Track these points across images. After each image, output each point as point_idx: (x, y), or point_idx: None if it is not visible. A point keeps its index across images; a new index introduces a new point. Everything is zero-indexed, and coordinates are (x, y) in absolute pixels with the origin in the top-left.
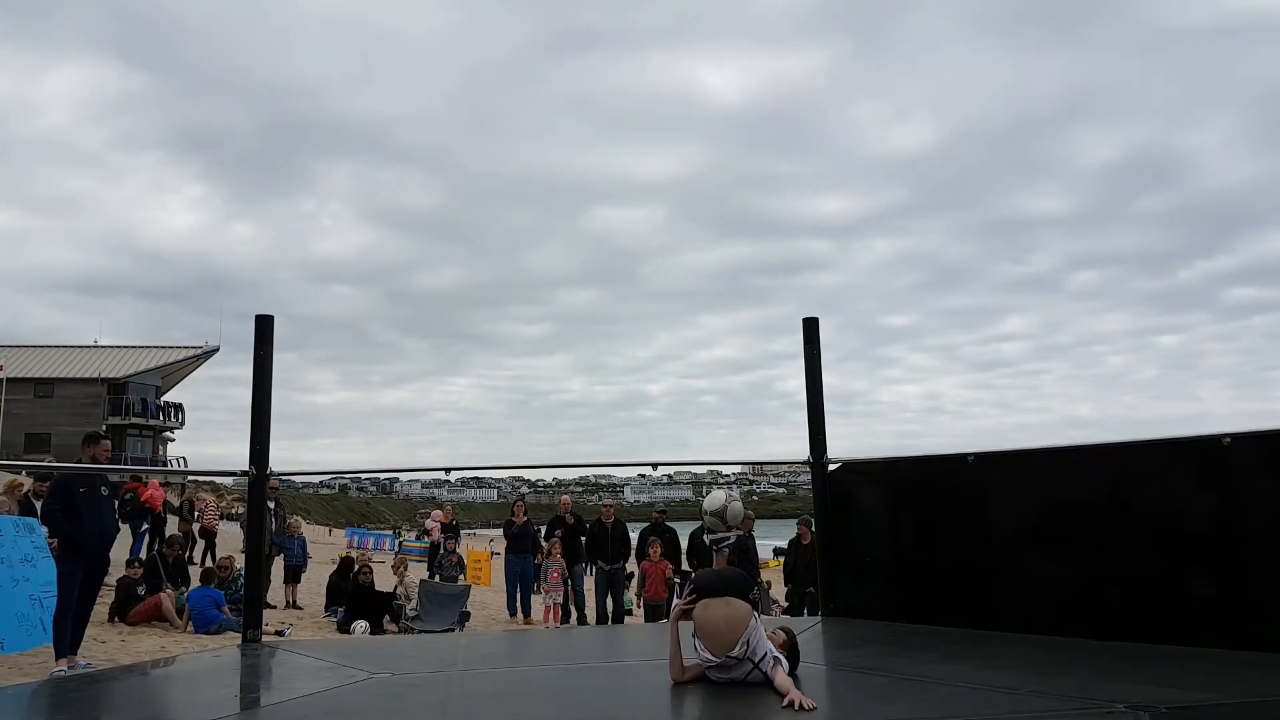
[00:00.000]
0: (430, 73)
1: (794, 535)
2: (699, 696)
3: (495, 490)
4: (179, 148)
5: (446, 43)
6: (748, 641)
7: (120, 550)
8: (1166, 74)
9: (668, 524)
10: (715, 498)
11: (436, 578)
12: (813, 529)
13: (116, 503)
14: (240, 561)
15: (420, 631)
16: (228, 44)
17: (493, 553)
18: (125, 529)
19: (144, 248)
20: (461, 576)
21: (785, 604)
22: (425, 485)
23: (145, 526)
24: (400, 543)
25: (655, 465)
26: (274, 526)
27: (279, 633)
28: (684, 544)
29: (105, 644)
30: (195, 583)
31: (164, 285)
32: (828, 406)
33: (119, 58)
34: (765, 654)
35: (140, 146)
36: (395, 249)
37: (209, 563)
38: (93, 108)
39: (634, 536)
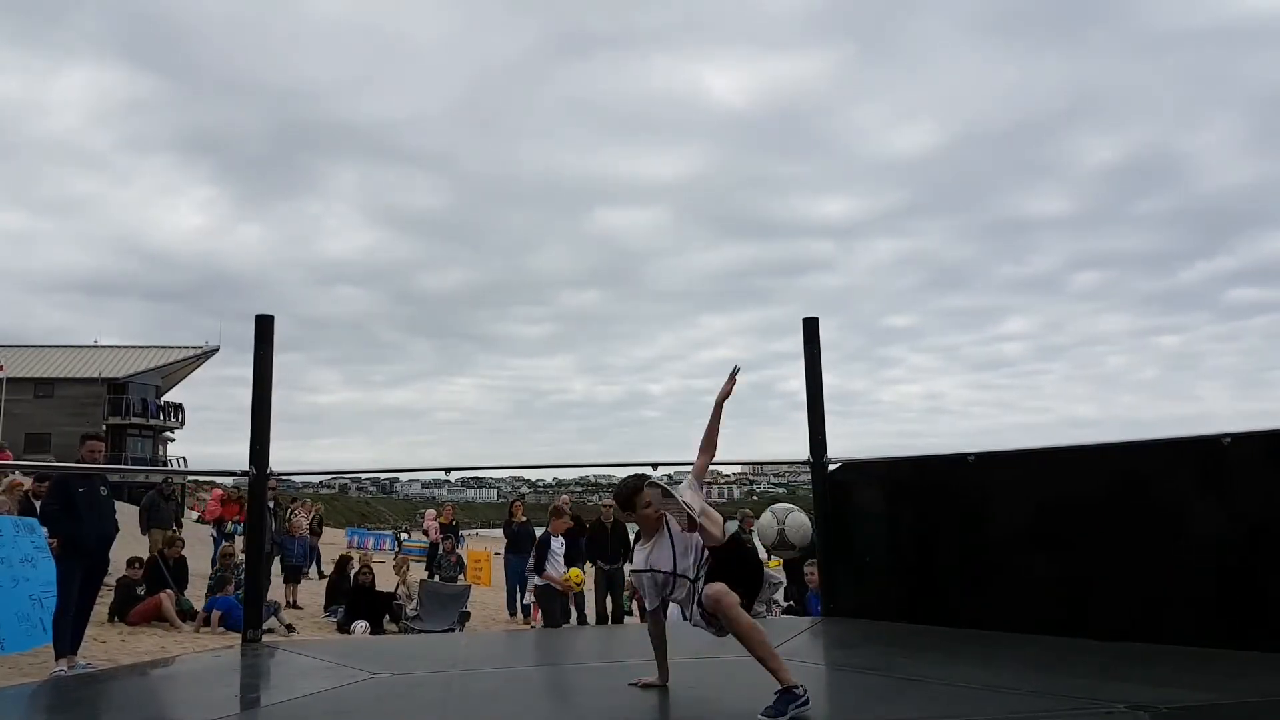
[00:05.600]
0: (436, 76)
1: None
2: (698, 695)
3: (495, 490)
4: (188, 150)
5: (451, 47)
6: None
7: (121, 550)
8: (1168, 76)
9: None
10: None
11: (436, 578)
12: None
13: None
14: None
15: (420, 631)
16: (237, 48)
17: (494, 552)
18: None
19: (151, 249)
20: (461, 576)
21: (788, 603)
22: (425, 485)
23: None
24: (401, 542)
25: (655, 465)
26: (273, 526)
27: (289, 626)
28: None
29: (105, 644)
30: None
31: (171, 286)
32: (829, 406)
33: (128, 61)
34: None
35: (149, 149)
36: (401, 250)
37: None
38: (101, 110)
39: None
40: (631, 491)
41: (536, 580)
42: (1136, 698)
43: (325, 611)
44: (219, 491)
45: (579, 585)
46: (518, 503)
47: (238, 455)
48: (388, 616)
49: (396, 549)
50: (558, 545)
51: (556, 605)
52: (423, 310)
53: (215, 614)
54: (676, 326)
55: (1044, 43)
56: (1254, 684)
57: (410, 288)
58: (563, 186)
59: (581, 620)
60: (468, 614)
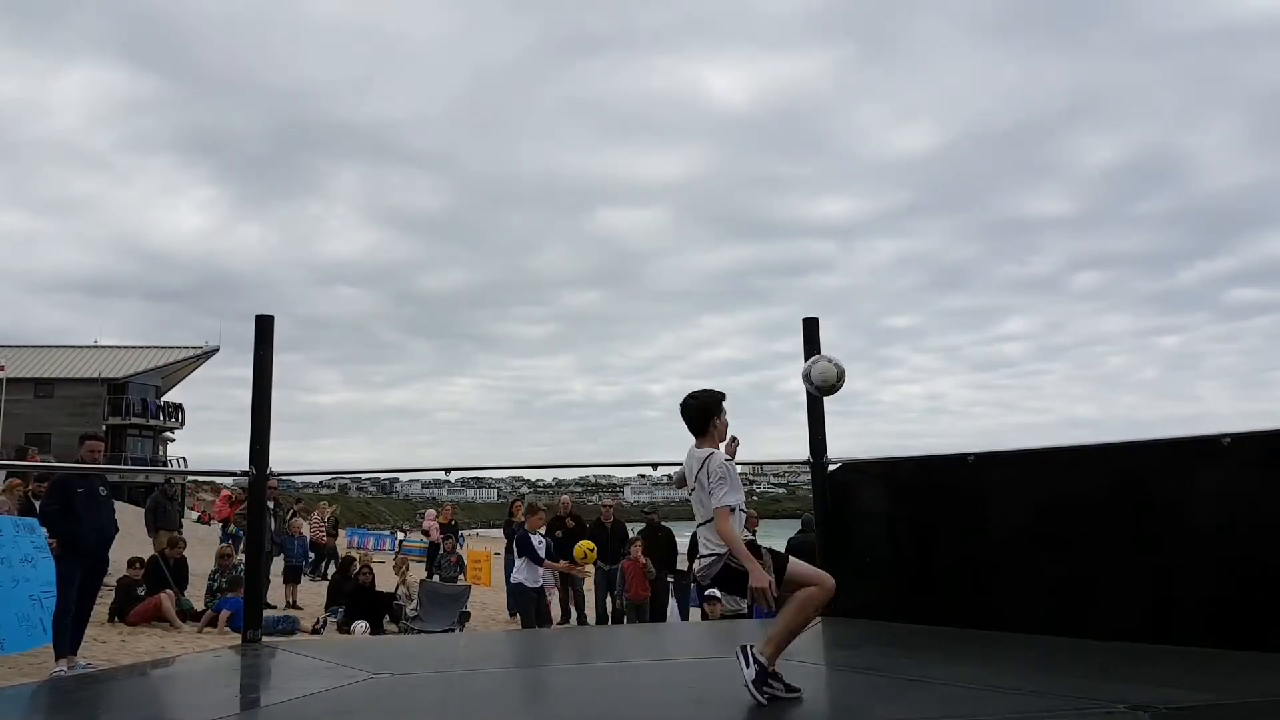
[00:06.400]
0: (435, 76)
1: (796, 533)
2: (698, 695)
3: (495, 490)
4: (188, 150)
5: (452, 47)
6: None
7: (120, 550)
8: (1168, 76)
9: (664, 524)
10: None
11: (436, 578)
12: (812, 529)
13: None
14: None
15: (420, 631)
16: (238, 48)
17: (494, 553)
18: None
19: (151, 249)
20: (461, 576)
21: None
22: (425, 485)
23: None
24: (400, 542)
25: (655, 465)
26: (273, 526)
27: (315, 630)
28: (682, 544)
29: (105, 644)
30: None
31: (171, 287)
32: (829, 407)
33: (129, 61)
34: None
35: (149, 149)
36: (401, 250)
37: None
38: (101, 110)
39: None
40: (716, 401)
41: (513, 578)
42: (1136, 698)
43: (325, 611)
44: (227, 492)
45: (591, 558)
46: (518, 503)
47: (238, 455)
48: (388, 616)
49: (396, 549)
50: (537, 541)
51: (531, 606)
52: (423, 310)
53: (224, 614)
54: (677, 326)
55: (1044, 43)
56: (1254, 684)
57: (410, 288)
58: (563, 186)
59: (581, 620)
60: (468, 614)
